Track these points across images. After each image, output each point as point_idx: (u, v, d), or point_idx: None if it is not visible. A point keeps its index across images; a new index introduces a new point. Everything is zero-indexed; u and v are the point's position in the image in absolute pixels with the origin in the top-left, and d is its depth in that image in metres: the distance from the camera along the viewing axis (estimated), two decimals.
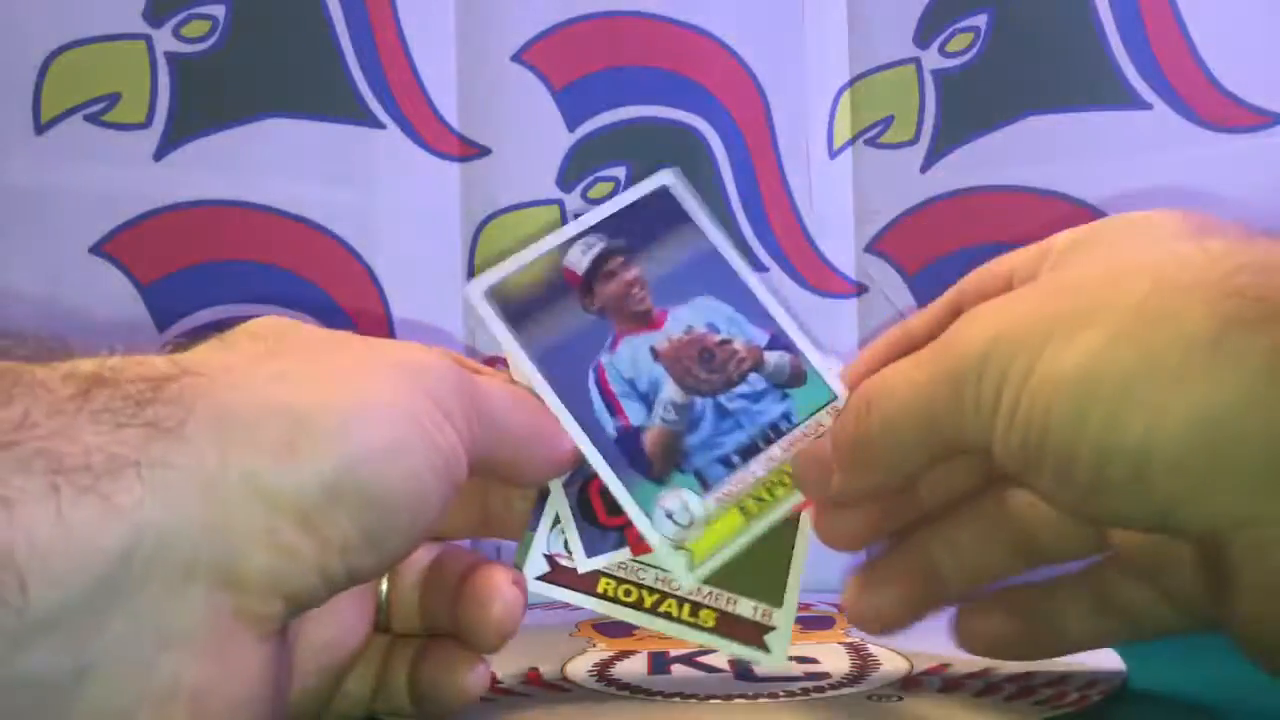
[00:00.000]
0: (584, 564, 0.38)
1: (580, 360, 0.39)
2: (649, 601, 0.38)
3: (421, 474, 0.30)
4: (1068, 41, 0.57)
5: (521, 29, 0.59)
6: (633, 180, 0.59)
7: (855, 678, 0.40)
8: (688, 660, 0.42)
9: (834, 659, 0.42)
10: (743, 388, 0.39)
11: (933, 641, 0.44)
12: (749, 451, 0.38)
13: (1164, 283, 0.29)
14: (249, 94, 0.57)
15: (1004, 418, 0.30)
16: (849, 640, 0.45)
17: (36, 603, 0.24)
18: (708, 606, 0.38)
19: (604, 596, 0.38)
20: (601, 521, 0.38)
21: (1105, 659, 0.41)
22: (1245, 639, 0.30)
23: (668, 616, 0.38)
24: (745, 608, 0.38)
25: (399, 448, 0.29)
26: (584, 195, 0.59)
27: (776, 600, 0.38)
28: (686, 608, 0.38)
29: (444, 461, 0.30)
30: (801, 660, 0.42)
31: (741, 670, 0.40)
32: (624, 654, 0.44)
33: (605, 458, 0.38)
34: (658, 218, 0.41)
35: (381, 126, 0.58)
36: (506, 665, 0.41)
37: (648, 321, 0.40)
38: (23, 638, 0.24)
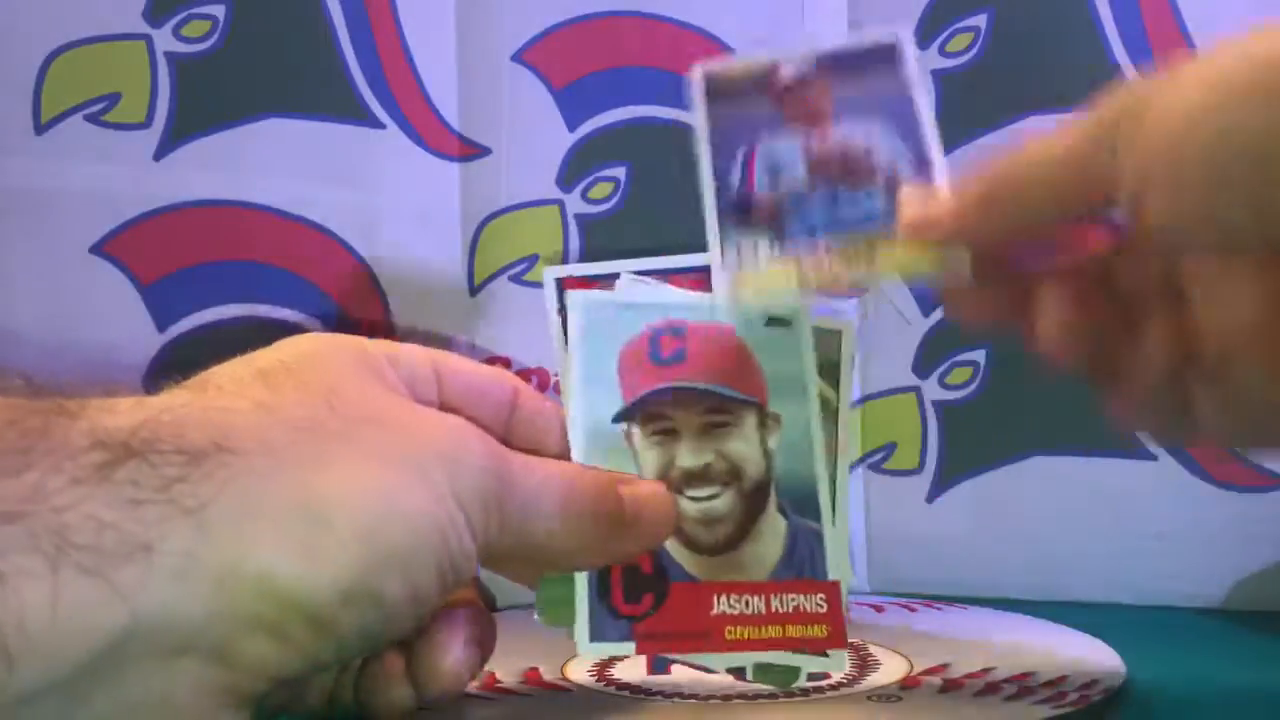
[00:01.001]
0: (584, 647, 0.36)
1: (741, 138, 0.40)
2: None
3: (431, 582, 0.30)
4: (1068, 41, 0.57)
5: (521, 29, 0.59)
6: (633, 180, 0.60)
7: (855, 678, 0.40)
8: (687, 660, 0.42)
9: (834, 659, 0.42)
10: (859, 195, 0.38)
11: (933, 641, 0.44)
12: (833, 232, 0.38)
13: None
14: (249, 94, 0.57)
15: (1125, 153, 0.31)
16: (849, 640, 0.45)
17: (22, 678, 0.24)
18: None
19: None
20: (616, 605, 0.36)
21: (1105, 659, 0.41)
22: None
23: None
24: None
25: (416, 559, 0.29)
26: (584, 195, 0.59)
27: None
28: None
29: (453, 569, 0.31)
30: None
31: (740, 670, 0.40)
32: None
33: (717, 206, 0.39)
34: (872, 58, 0.40)
35: (381, 126, 0.58)
36: (506, 665, 0.41)
37: (815, 121, 0.39)
38: (6, 709, 0.24)
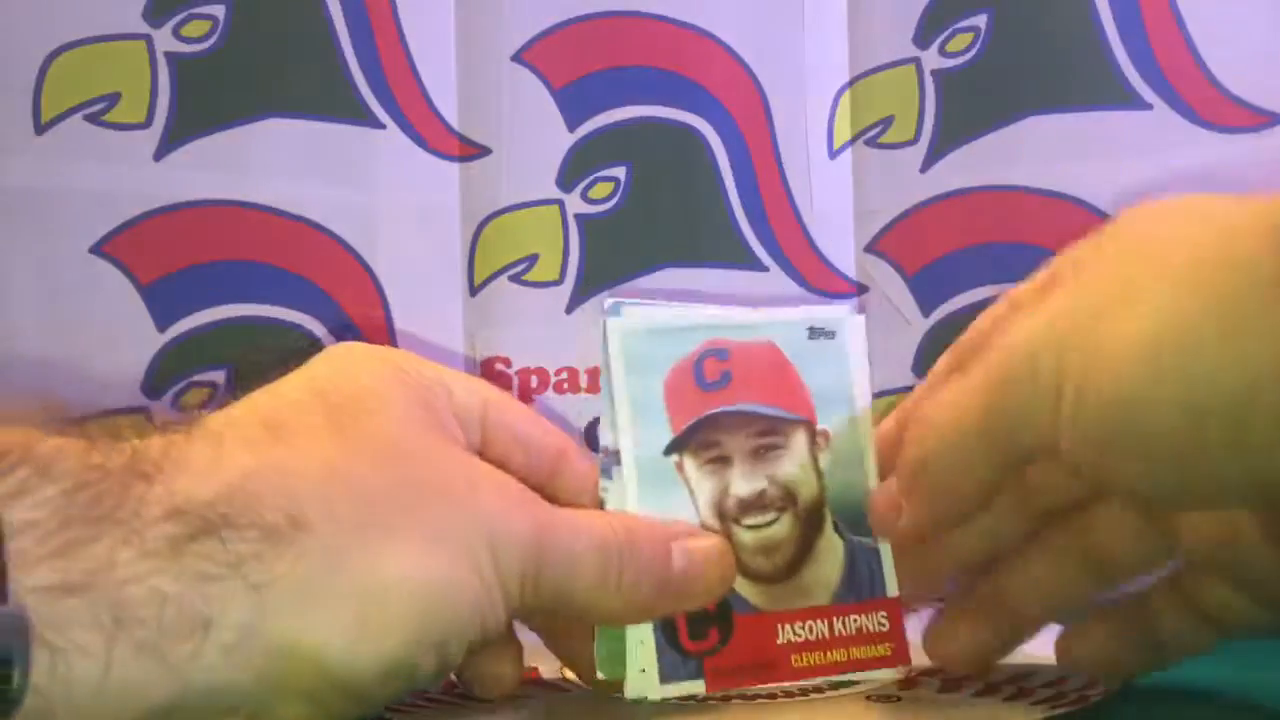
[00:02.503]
0: (655, 690, 0.35)
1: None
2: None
3: (461, 654, 0.31)
4: (1068, 41, 0.57)
5: (521, 29, 0.59)
6: (633, 180, 0.60)
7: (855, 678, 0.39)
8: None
9: None
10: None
11: None
12: None
13: (1215, 236, 0.28)
14: (249, 94, 0.57)
15: (1069, 405, 0.29)
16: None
17: None
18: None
19: None
20: (683, 643, 0.36)
21: None
22: None
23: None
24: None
25: (454, 638, 0.30)
26: (584, 195, 0.59)
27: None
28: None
29: (482, 640, 0.32)
30: None
31: None
32: None
33: None
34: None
35: (381, 126, 0.58)
36: None
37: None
38: None
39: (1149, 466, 0.28)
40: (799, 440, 0.38)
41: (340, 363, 0.34)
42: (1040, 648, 0.40)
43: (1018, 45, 0.58)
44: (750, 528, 0.37)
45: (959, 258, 0.59)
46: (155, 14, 0.57)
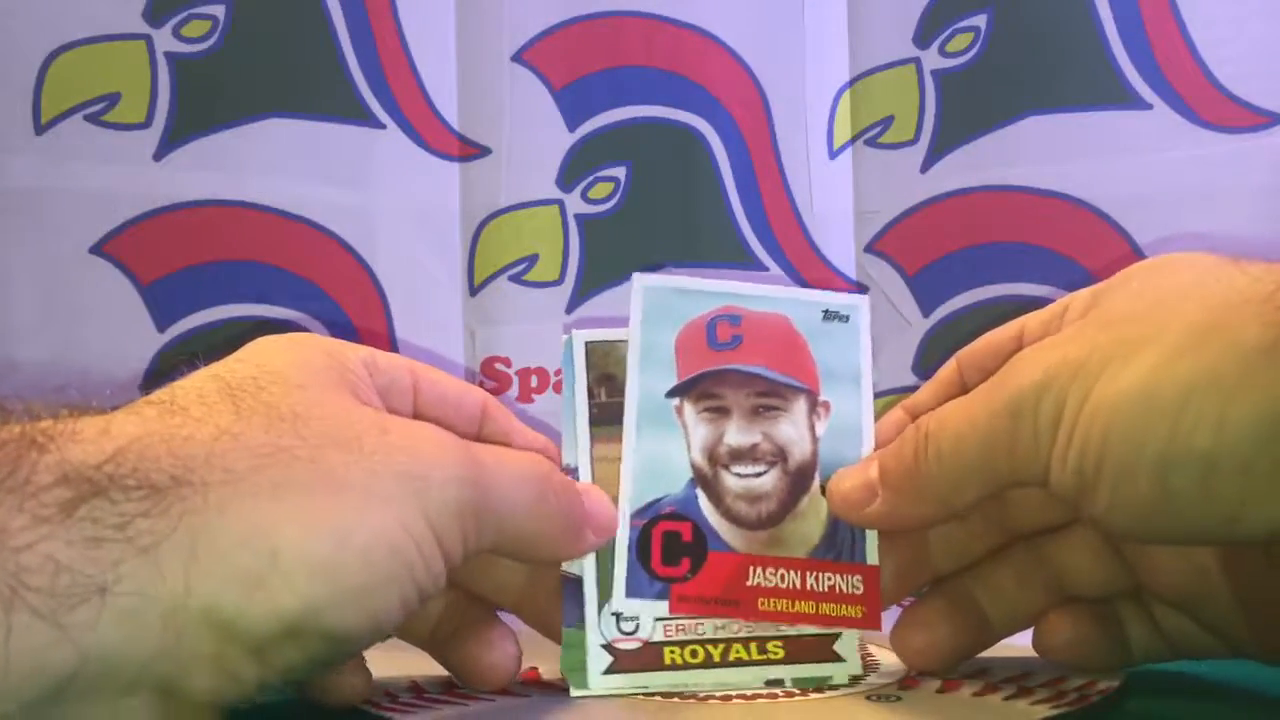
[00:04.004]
0: (619, 603, 0.37)
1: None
2: (717, 655, 0.38)
3: (386, 610, 0.30)
4: (1068, 41, 0.57)
5: (521, 29, 0.59)
6: (633, 180, 0.60)
7: (855, 678, 0.39)
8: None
9: None
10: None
11: None
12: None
13: (1212, 301, 0.30)
14: (249, 94, 0.57)
15: (1061, 444, 0.31)
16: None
17: None
18: (773, 637, 0.38)
19: (674, 667, 0.38)
20: (654, 567, 0.38)
21: None
22: None
23: (740, 663, 0.38)
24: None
25: (370, 589, 0.29)
26: (584, 195, 0.59)
27: None
28: (754, 646, 0.38)
29: (416, 591, 0.30)
30: None
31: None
32: None
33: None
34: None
35: (381, 126, 0.58)
36: None
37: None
38: None
39: (1119, 507, 0.31)
40: (799, 406, 0.39)
41: (248, 351, 0.34)
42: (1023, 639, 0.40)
43: (1018, 45, 0.58)
44: (738, 475, 0.38)
45: (959, 258, 0.59)
46: (155, 14, 0.57)
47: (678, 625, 0.38)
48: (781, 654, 0.38)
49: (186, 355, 0.33)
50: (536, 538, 0.35)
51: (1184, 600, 0.37)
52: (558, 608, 0.38)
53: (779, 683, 0.38)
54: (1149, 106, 0.56)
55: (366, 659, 0.36)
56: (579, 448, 0.39)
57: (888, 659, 0.42)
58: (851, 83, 0.60)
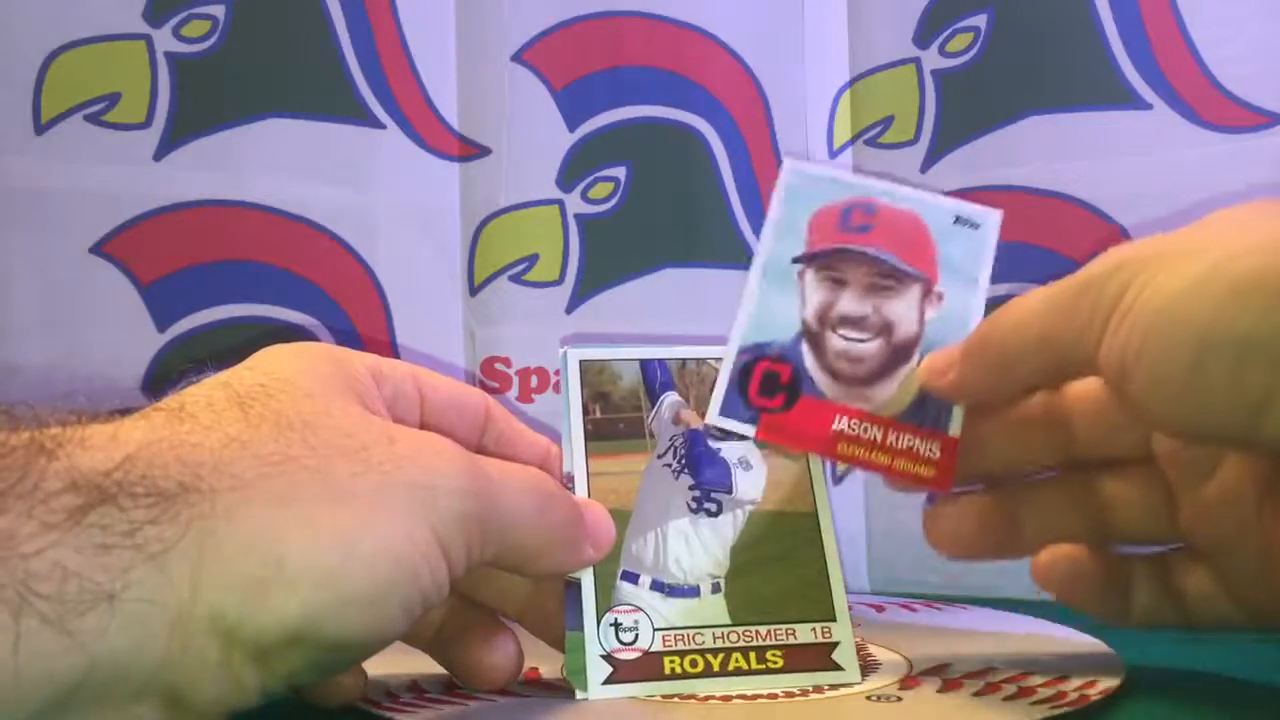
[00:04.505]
0: (713, 418, 0.40)
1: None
2: (716, 664, 0.38)
3: (390, 620, 0.30)
4: (1068, 41, 0.57)
5: (521, 29, 0.59)
6: (633, 180, 0.60)
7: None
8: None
9: None
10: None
11: (933, 641, 0.44)
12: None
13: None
14: (249, 94, 0.57)
15: (1115, 321, 0.33)
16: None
17: None
18: (772, 646, 0.38)
19: (673, 676, 0.38)
20: (750, 396, 0.40)
21: (1105, 658, 0.41)
22: None
23: (739, 673, 0.38)
24: (804, 633, 0.39)
25: (375, 598, 0.29)
26: (584, 195, 0.59)
27: (829, 614, 0.39)
28: (753, 656, 0.38)
29: (421, 600, 0.31)
30: None
31: None
32: None
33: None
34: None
35: (381, 126, 0.58)
36: None
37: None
38: None
39: (1159, 388, 0.32)
40: (913, 291, 0.41)
41: (256, 359, 0.34)
42: (1040, 649, 0.40)
43: (1018, 45, 0.58)
44: (844, 338, 0.40)
45: None
46: (155, 14, 0.57)
47: (676, 635, 0.38)
48: (780, 663, 0.38)
49: (194, 362, 0.33)
50: (537, 550, 0.35)
51: (1217, 548, 0.37)
52: (561, 617, 0.38)
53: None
54: (1149, 106, 0.56)
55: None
56: (575, 463, 0.39)
57: (888, 659, 0.42)
58: (851, 83, 0.60)
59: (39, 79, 0.55)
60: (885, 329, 0.41)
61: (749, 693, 0.37)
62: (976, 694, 0.37)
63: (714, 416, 0.40)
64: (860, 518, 0.59)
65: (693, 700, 0.37)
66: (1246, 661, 0.41)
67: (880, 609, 0.52)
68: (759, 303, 0.41)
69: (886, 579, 0.58)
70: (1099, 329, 0.33)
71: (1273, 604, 0.37)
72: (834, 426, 0.40)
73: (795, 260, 0.41)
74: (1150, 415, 0.34)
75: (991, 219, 0.42)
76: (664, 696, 0.37)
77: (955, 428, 0.39)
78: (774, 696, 0.37)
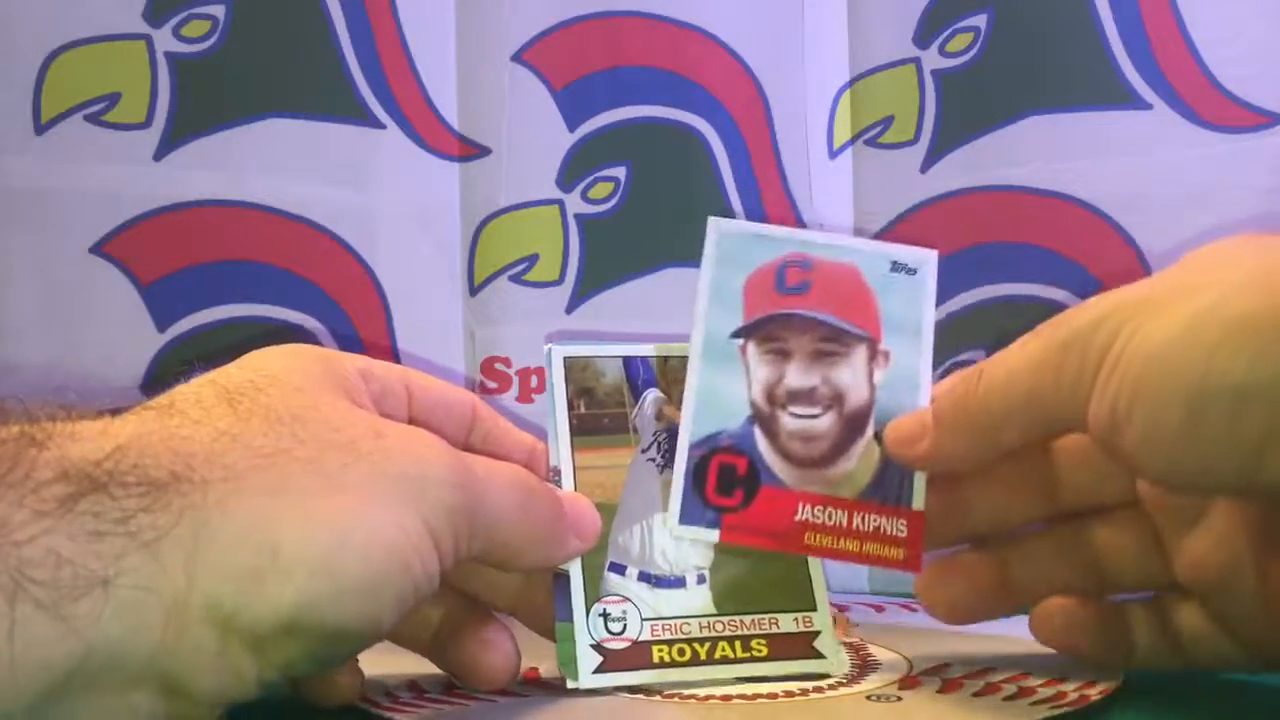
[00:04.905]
0: (675, 528, 0.39)
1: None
2: (703, 653, 0.38)
3: (383, 608, 0.30)
4: (1068, 41, 0.57)
5: (521, 29, 0.59)
6: (633, 180, 0.60)
7: (855, 678, 0.40)
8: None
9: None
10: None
11: (933, 641, 0.44)
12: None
13: (1271, 258, 0.31)
14: (249, 94, 0.57)
15: (1104, 376, 0.32)
16: (849, 640, 0.45)
17: None
18: (756, 635, 0.39)
19: (662, 665, 0.38)
20: (707, 496, 0.39)
21: None
22: None
23: (725, 661, 0.38)
24: (786, 622, 0.39)
25: (368, 587, 0.29)
26: (584, 195, 0.59)
27: (810, 604, 0.40)
28: (738, 644, 0.39)
29: (413, 590, 0.31)
30: None
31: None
32: None
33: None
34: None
35: (381, 126, 0.58)
36: None
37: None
38: None
39: (1154, 440, 0.31)
40: (859, 353, 0.40)
41: (245, 359, 0.34)
42: (1040, 649, 0.40)
43: (1018, 45, 0.58)
44: (795, 416, 0.40)
45: (959, 258, 0.59)
46: (155, 14, 0.57)
47: (664, 625, 0.38)
48: (765, 652, 0.39)
49: (184, 364, 0.33)
50: (521, 543, 0.35)
51: (1212, 590, 0.37)
52: (551, 609, 0.38)
53: (763, 679, 0.38)
54: (1149, 106, 0.56)
55: (364, 659, 0.37)
56: (561, 457, 0.40)
57: (888, 659, 0.42)
58: (851, 83, 0.60)
59: (39, 79, 0.55)
60: (836, 400, 0.40)
61: (749, 692, 0.38)
62: (976, 694, 0.37)
63: (675, 526, 0.39)
64: None
65: (693, 700, 0.37)
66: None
67: (880, 609, 0.52)
68: (703, 388, 0.40)
69: (886, 579, 0.58)
70: (1089, 383, 0.32)
71: (1272, 643, 0.37)
72: (797, 517, 0.39)
73: (734, 335, 0.40)
74: (1144, 468, 0.33)
75: (928, 262, 0.41)
76: (664, 695, 0.37)
77: (919, 501, 0.39)
78: (774, 697, 0.37)
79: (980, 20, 0.58)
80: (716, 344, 0.40)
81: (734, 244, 0.41)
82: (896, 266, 0.41)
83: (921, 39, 0.59)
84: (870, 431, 0.40)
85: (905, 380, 0.40)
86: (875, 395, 0.40)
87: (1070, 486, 0.39)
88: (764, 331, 0.40)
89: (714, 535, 0.39)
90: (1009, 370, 0.35)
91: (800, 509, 0.39)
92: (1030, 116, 0.58)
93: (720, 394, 0.40)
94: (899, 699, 0.37)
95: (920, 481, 0.39)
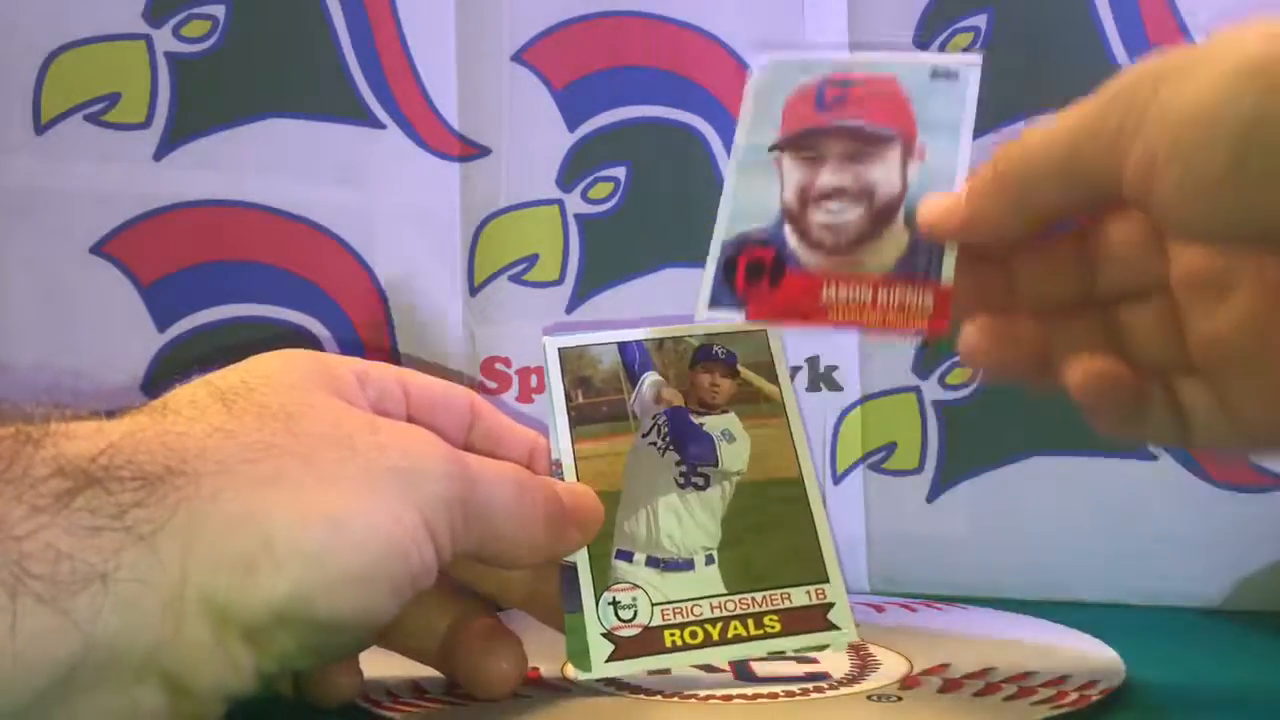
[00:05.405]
0: (701, 314, 0.39)
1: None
2: (716, 634, 0.38)
3: (379, 600, 0.30)
4: (1068, 41, 0.57)
5: (521, 29, 0.59)
6: (633, 180, 0.60)
7: (855, 678, 0.40)
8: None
9: (834, 659, 0.42)
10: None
11: (933, 642, 0.44)
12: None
13: None
14: (249, 94, 0.57)
15: (1146, 124, 0.30)
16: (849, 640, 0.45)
17: None
18: (769, 612, 0.39)
19: (675, 649, 0.38)
20: (735, 284, 0.39)
21: (1105, 659, 0.41)
22: None
23: (738, 639, 0.38)
24: (799, 596, 0.39)
25: (363, 577, 0.30)
26: (584, 195, 0.59)
27: (822, 575, 0.39)
28: (751, 622, 0.38)
29: (409, 581, 0.31)
30: (801, 660, 0.42)
31: (741, 670, 0.40)
32: None
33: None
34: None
35: (381, 126, 0.58)
36: None
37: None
38: None
39: (1195, 182, 0.30)
40: (893, 152, 0.40)
41: (241, 363, 0.34)
42: (1040, 649, 0.40)
43: (1018, 45, 0.58)
44: (826, 211, 0.40)
45: None
46: (155, 14, 0.57)
47: (674, 608, 0.38)
48: (779, 627, 0.38)
49: (183, 366, 0.34)
50: (518, 536, 0.35)
51: (1227, 365, 0.35)
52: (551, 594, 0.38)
53: (780, 653, 0.39)
54: None
55: (364, 659, 0.37)
56: (562, 449, 0.40)
57: (888, 659, 0.42)
58: None
59: (39, 79, 0.56)
60: (866, 194, 0.40)
61: (749, 692, 0.38)
62: (977, 694, 0.37)
63: (702, 313, 0.39)
64: (860, 519, 0.59)
65: (693, 699, 0.37)
66: (1246, 661, 0.41)
67: (880, 609, 0.52)
68: (737, 195, 0.40)
69: (886, 579, 0.58)
70: (1130, 137, 0.31)
71: (1272, 422, 0.35)
72: (823, 298, 0.39)
73: (771, 149, 0.41)
74: (1182, 220, 0.32)
75: (971, 67, 0.41)
76: (665, 695, 0.37)
77: (947, 275, 0.38)
78: (774, 697, 0.37)
79: (980, 20, 0.58)
80: (754, 156, 0.41)
81: (777, 73, 0.42)
82: (937, 73, 0.41)
83: (922, 39, 0.59)
84: (900, 218, 0.39)
85: (942, 174, 0.40)
86: (908, 187, 0.40)
87: (1104, 272, 0.38)
88: (799, 142, 0.41)
89: (739, 314, 0.39)
90: (1047, 133, 0.34)
91: (826, 289, 0.39)
92: (1030, 117, 0.58)
93: (753, 198, 0.40)
94: (899, 699, 0.37)
95: (950, 257, 0.38)
